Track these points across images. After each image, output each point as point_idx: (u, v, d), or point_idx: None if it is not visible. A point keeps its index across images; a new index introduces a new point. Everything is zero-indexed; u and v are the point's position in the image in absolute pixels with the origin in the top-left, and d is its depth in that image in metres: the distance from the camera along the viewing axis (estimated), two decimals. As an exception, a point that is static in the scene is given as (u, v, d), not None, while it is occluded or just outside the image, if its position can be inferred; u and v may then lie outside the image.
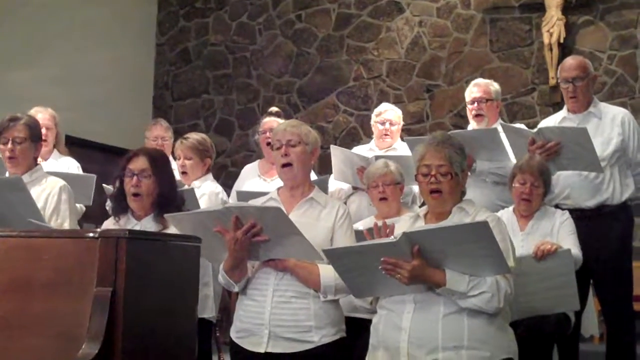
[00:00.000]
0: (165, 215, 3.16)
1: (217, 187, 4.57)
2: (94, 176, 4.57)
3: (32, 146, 3.86)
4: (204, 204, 4.24)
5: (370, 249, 2.83)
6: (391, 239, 2.81)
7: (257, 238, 3.00)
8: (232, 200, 4.69)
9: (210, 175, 4.66)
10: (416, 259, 2.76)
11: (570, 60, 4.40)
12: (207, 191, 4.45)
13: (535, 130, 4.21)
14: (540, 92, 7.28)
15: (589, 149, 4.00)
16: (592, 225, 4.10)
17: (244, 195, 4.46)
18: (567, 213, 3.96)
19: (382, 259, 2.77)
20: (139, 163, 3.37)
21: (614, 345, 4.27)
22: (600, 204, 4.22)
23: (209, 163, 4.65)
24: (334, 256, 2.89)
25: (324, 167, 5.15)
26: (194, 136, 4.66)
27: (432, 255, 2.78)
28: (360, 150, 5.44)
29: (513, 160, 4.23)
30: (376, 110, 5.40)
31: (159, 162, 3.42)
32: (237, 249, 3.01)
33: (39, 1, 7.49)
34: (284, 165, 3.27)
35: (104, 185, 4.55)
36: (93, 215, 4.99)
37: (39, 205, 3.68)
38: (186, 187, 4.40)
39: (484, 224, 2.71)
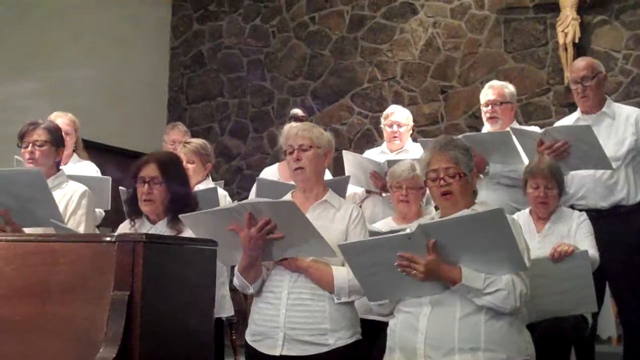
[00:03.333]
0: (180, 216, 3.17)
1: (224, 191, 4.71)
2: (109, 178, 4.59)
3: (52, 150, 3.87)
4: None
5: (385, 242, 2.83)
6: (406, 231, 2.80)
7: (271, 235, 3.00)
8: None
9: (210, 179, 4.77)
10: (432, 253, 2.75)
11: (578, 62, 4.45)
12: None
13: (542, 131, 4.21)
14: (556, 93, 7.24)
15: (596, 146, 4.00)
16: (607, 225, 4.08)
17: (264, 184, 4.51)
18: (584, 214, 3.94)
19: (398, 254, 2.76)
20: (149, 170, 3.39)
21: (631, 346, 4.25)
22: (615, 204, 4.22)
23: (210, 168, 4.83)
24: (349, 251, 2.88)
25: (339, 170, 5.14)
26: (197, 141, 4.84)
27: (448, 250, 2.76)
28: (372, 153, 5.43)
29: (526, 162, 4.22)
30: (384, 113, 5.40)
31: (169, 167, 3.43)
32: (251, 247, 3.01)
33: (51, 6, 7.53)
34: (296, 169, 3.27)
35: (120, 188, 4.58)
36: (109, 219, 5.01)
37: (60, 209, 3.70)
38: (197, 189, 4.45)
39: (499, 211, 2.71)
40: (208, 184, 4.71)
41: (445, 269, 2.79)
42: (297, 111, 5.59)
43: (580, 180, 4.25)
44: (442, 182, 3.01)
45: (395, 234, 2.92)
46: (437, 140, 3.19)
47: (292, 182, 4.73)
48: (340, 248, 2.90)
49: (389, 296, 3.02)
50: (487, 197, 4.16)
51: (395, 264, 2.78)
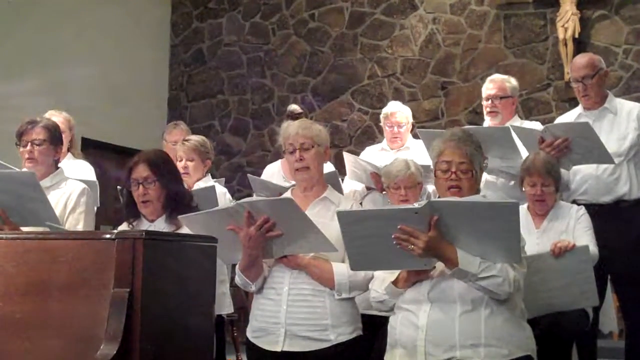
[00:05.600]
0: (180, 217, 3.18)
1: (223, 188, 4.68)
2: (95, 182, 4.56)
3: (51, 148, 3.88)
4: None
5: (389, 214, 2.81)
6: (415, 206, 2.79)
7: (271, 233, 3.00)
8: None
9: (210, 177, 4.75)
10: (433, 230, 2.73)
11: (578, 59, 4.41)
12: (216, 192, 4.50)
13: (542, 129, 4.21)
14: (556, 88, 7.24)
15: (596, 142, 4.00)
16: (609, 220, 4.08)
17: (256, 183, 4.51)
18: (583, 209, 3.94)
19: (399, 227, 2.73)
20: (141, 171, 3.39)
21: (633, 341, 4.25)
22: (617, 199, 4.22)
23: (209, 165, 4.80)
24: (350, 219, 2.83)
25: (340, 167, 5.14)
26: (195, 138, 4.81)
27: (447, 230, 2.75)
28: (372, 150, 5.42)
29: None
30: (384, 111, 5.36)
31: (159, 165, 3.43)
32: (251, 245, 3.01)
33: (51, 4, 7.53)
34: (300, 169, 3.27)
35: (118, 187, 4.58)
36: (110, 217, 5.03)
37: (59, 208, 3.72)
38: (197, 186, 4.45)
39: (515, 205, 2.71)
40: (207, 181, 4.70)
41: (444, 247, 2.76)
42: (295, 107, 5.56)
43: (583, 176, 4.25)
44: (453, 175, 3.01)
45: (401, 207, 2.90)
46: (454, 132, 3.17)
47: (283, 184, 4.75)
48: (339, 215, 2.84)
49: (372, 266, 3.00)
50: (484, 193, 4.16)
51: (393, 236, 2.75)
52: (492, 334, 2.80)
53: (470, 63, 7.64)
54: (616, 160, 4.12)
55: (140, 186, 3.38)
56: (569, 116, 4.52)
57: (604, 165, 4.18)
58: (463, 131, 3.19)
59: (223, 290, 4.18)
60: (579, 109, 4.44)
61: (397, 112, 5.28)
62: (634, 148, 4.23)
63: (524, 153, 4.24)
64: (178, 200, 3.39)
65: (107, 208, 4.85)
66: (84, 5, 7.86)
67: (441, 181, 3.05)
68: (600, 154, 4.05)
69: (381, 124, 5.40)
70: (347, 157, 4.94)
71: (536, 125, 4.73)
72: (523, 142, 4.26)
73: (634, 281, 4.21)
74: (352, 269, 3.01)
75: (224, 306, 4.23)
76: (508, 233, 2.73)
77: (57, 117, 4.71)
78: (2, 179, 3.50)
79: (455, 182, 3.01)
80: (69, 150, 4.90)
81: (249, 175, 4.83)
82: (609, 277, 4.28)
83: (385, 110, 5.36)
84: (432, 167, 3.15)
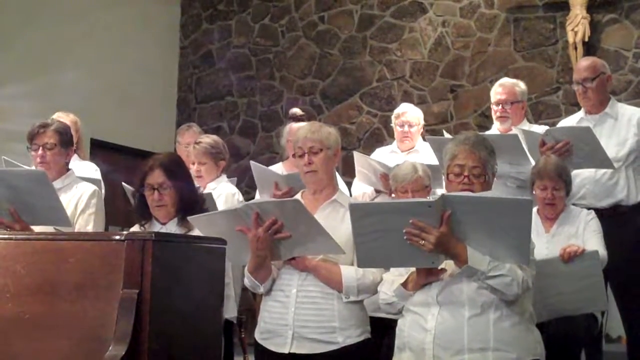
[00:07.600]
0: (189, 218, 3.20)
1: (233, 188, 4.66)
2: (100, 180, 4.58)
3: (62, 152, 3.91)
4: (221, 205, 4.27)
5: (402, 207, 2.81)
6: (428, 199, 2.79)
7: (279, 235, 3.00)
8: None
9: (224, 177, 4.74)
10: (445, 226, 2.73)
11: (582, 62, 4.48)
12: (223, 192, 4.49)
13: (543, 132, 4.21)
14: (565, 92, 7.21)
15: (597, 147, 4.01)
16: (606, 225, 4.06)
17: (259, 170, 4.48)
18: (592, 212, 3.94)
19: (411, 221, 2.72)
20: (156, 177, 3.40)
21: (634, 345, 4.25)
22: (615, 204, 4.23)
23: (223, 165, 4.76)
24: (361, 212, 2.81)
25: (349, 169, 5.13)
26: (206, 140, 4.73)
27: (459, 226, 2.74)
28: (382, 152, 5.41)
29: (533, 163, 4.21)
30: (395, 112, 5.36)
31: (174, 170, 3.44)
32: (259, 247, 3.02)
33: (60, 6, 7.55)
34: (309, 172, 3.27)
35: (124, 185, 4.58)
36: (120, 218, 5.03)
37: (70, 209, 3.73)
38: (209, 187, 4.44)
39: (528, 202, 2.71)
40: (220, 181, 4.67)
41: (455, 243, 2.77)
42: (296, 110, 5.56)
43: (581, 181, 4.26)
44: (465, 179, 3.01)
45: (415, 200, 2.89)
46: (467, 136, 3.17)
47: (281, 172, 4.74)
48: (351, 207, 2.84)
49: (380, 263, 3.01)
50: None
51: (404, 230, 2.74)
52: (501, 337, 2.80)
53: (479, 66, 7.62)
54: (615, 165, 4.13)
55: (156, 192, 3.39)
56: (571, 120, 4.54)
57: (603, 171, 4.18)
58: (477, 135, 3.20)
59: (227, 294, 4.16)
60: (580, 113, 4.46)
61: (408, 111, 5.29)
62: (633, 154, 4.24)
63: (533, 159, 4.24)
64: (191, 203, 3.40)
65: (116, 209, 4.85)
66: (94, 7, 7.88)
67: (453, 184, 3.05)
68: (601, 159, 4.06)
69: (392, 124, 5.40)
70: (357, 157, 4.93)
71: (544, 129, 4.73)
72: (526, 145, 4.26)
73: (632, 285, 4.21)
74: (359, 265, 3.01)
75: (227, 309, 4.20)
76: (519, 231, 2.72)
77: (64, 118, 4.73)
78: (13, 177, 3.52)
79: (467, 186, 3.00)
80: (75, 151, 4.92)
81: (251, 162, 4.79)
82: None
83: (396, 111, 5.37)
84: (443, 170, 3.15)
